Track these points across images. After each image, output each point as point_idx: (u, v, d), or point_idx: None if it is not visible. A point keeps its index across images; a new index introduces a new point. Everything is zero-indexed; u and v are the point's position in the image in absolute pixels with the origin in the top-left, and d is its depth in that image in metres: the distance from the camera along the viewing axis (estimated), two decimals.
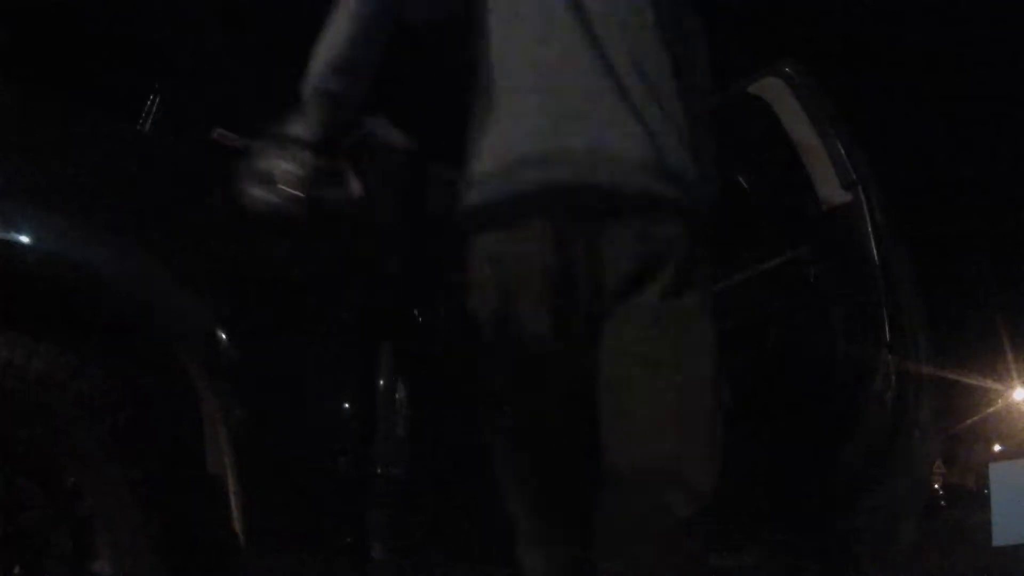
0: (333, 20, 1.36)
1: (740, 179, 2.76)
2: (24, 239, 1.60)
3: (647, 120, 1.25)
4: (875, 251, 2.17)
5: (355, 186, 1.34)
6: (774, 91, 2.45)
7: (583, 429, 1.24)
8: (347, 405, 1.89)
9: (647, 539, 1.20)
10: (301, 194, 1.22)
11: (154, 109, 2.02)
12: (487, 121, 1.31)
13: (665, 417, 1.20)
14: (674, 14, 1.44)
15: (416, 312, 2.10)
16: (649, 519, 1.21)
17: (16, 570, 1.54)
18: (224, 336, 1.74)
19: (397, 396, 1.91)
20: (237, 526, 1.67)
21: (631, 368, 1.22)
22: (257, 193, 1.26)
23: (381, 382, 1.91)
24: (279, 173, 1.24)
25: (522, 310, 1.23)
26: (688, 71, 1.40)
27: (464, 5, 1.40)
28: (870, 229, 2.18)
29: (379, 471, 1.83)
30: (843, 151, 2.27)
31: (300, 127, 1.29)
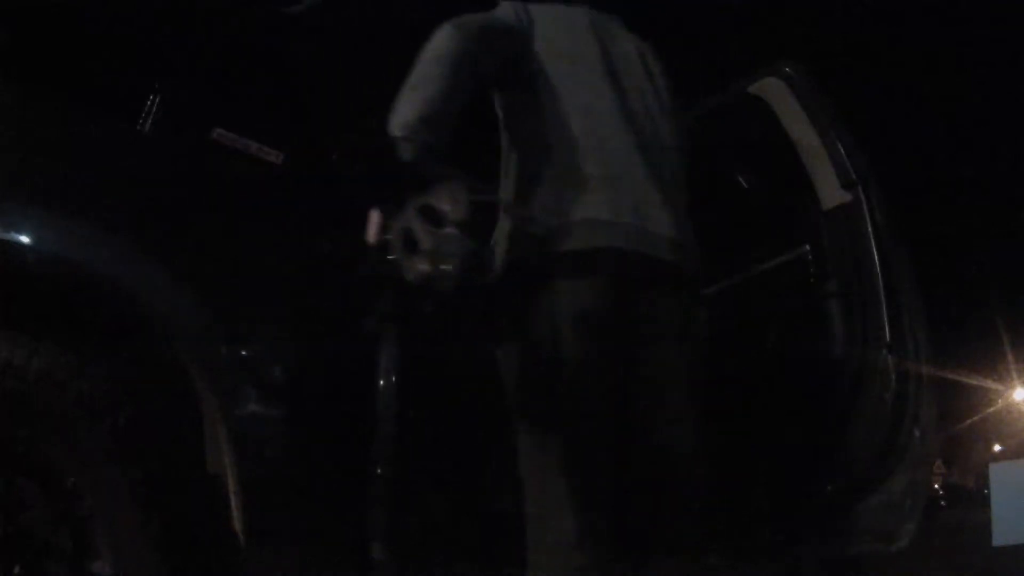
0: (424, 74, 1.50)
1: (740, 179, 2.75)
2: (24, 239, 1.59)
3: (674, 204, 1.62)
4: (875, 250, 2.16)
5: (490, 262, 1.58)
6: (774, 91, 2.44)
7: (617, 440, 1.49)
8: (347, 405, 1.90)
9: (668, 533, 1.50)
10: (455, 272, 1.34)
11: (154, 109, 2.01)
12: (555, 183, 1.57)
13: (678, 432, 1.53)
14: (673, 96, 1.76)
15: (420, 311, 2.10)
16: (668, 516, 1.50)
17: (16, 570, 1.54)
18: (225, 336, 1.74)
19: (397, 396, 1.91)
20: (237, 526, 1.67)
21: (653, 394, 1.53)
22: (416, 268, 1.36)
23: (381, 382, 1.91)
24: (436, 252, 1.35)
25: (577, 344, 1.47)
26: (683, 146, 1.75)
27: (523, 75, 1.64)
28: (870, 228, 2.17)
29: (379, 470, 1.83)
30: (843, 151, 2.26)
31: (448, 203, 1.36)
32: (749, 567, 2.29)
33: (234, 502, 1.67)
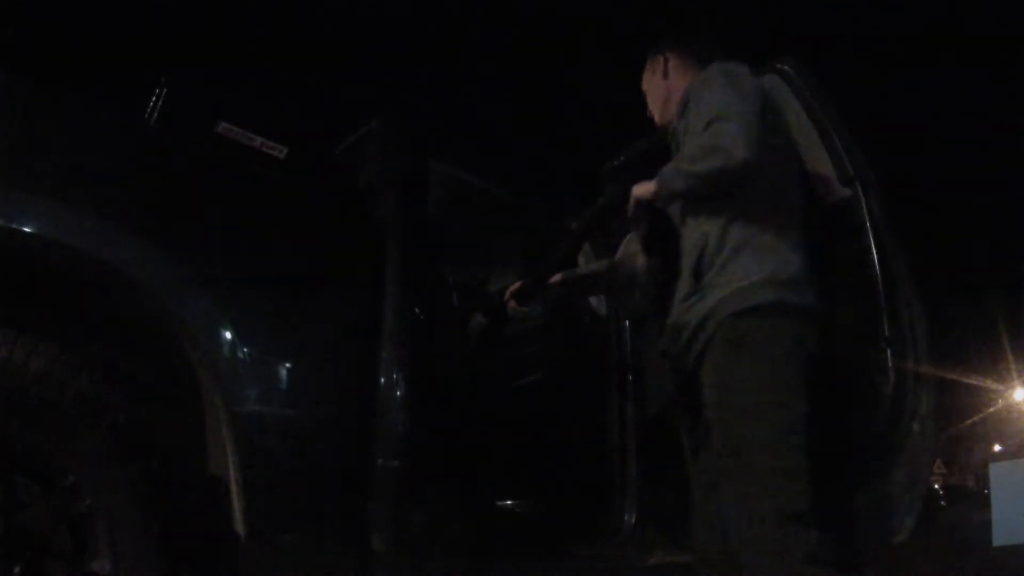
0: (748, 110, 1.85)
1: None
2: (27, 230, 1.58)
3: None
4: (873, 246, 2.17)
5: None
6: (772, 88, 2.44)
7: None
8: (348, 400, 1.90)
9: None
10: None
11: (160, 102, 2.01)
12: (767, 242, 1.90)
13: None
14: None
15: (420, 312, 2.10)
16: None
17: (16, 570, 1.53)
18: (231, 333, 1.74)
19: (398, 391, 1.91)
20: (238, 523, 1.67)
21: None
22: None
23: (383, 379, 1.91)
24: None
25: (805, 365, 1.85)
26: None
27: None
28: (868, 225, 2.18)
29: (380, 463, 1.83)
30: (841, 148, 2.26)
31: None
32: None
33: (235, 498, 1.67)
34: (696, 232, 1.96)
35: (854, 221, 2.21)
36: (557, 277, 2.40)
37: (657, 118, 2.27)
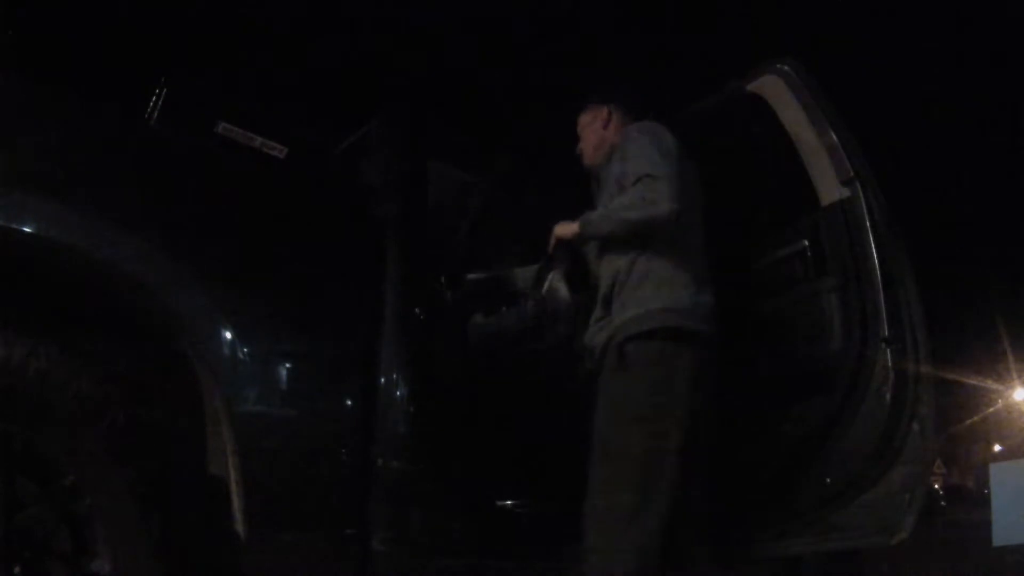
0: (639, 212, 2.06)
1: (739, 176, 2.75)
2: (27, 230, 1.59)
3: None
4: (873, 246, 2.17)
5: None
6: (773, 89, 2.45)
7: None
8: (348, 400, 1.90)
9: None
10: None
11: (160, 102, 2.00)
12: (666, 276, 2.11)
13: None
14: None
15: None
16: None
17: (16, 570, 1.53)
18: (231, 332, 1.74)
19: (398, 391, 1.92)
20: (238, 523, 1.67)
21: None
22: None
23: (382, 379, 1.92)
24: None
25: (688, 389, 2.01)
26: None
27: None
28: (868, 224, 2.18)
29: (380, 463, 1.83)
30: (841, 148, 2.27)
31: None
32: (749, 561, 2.29)
33: (235, 498, 1.67)
34: (610, 267, 2.18)
35: (854, 221, 2.22)
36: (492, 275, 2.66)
37: (586, 160, 2.46)
